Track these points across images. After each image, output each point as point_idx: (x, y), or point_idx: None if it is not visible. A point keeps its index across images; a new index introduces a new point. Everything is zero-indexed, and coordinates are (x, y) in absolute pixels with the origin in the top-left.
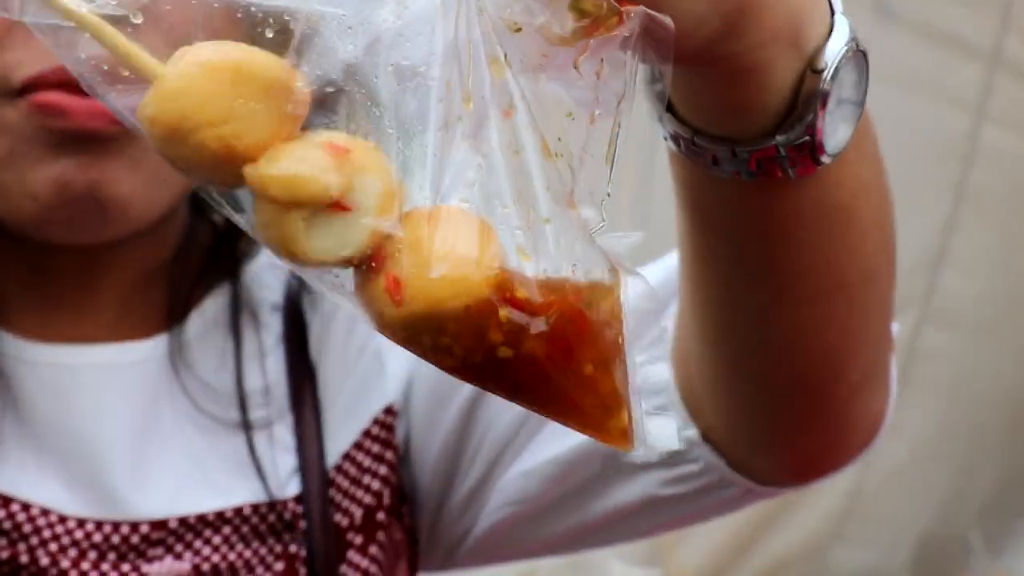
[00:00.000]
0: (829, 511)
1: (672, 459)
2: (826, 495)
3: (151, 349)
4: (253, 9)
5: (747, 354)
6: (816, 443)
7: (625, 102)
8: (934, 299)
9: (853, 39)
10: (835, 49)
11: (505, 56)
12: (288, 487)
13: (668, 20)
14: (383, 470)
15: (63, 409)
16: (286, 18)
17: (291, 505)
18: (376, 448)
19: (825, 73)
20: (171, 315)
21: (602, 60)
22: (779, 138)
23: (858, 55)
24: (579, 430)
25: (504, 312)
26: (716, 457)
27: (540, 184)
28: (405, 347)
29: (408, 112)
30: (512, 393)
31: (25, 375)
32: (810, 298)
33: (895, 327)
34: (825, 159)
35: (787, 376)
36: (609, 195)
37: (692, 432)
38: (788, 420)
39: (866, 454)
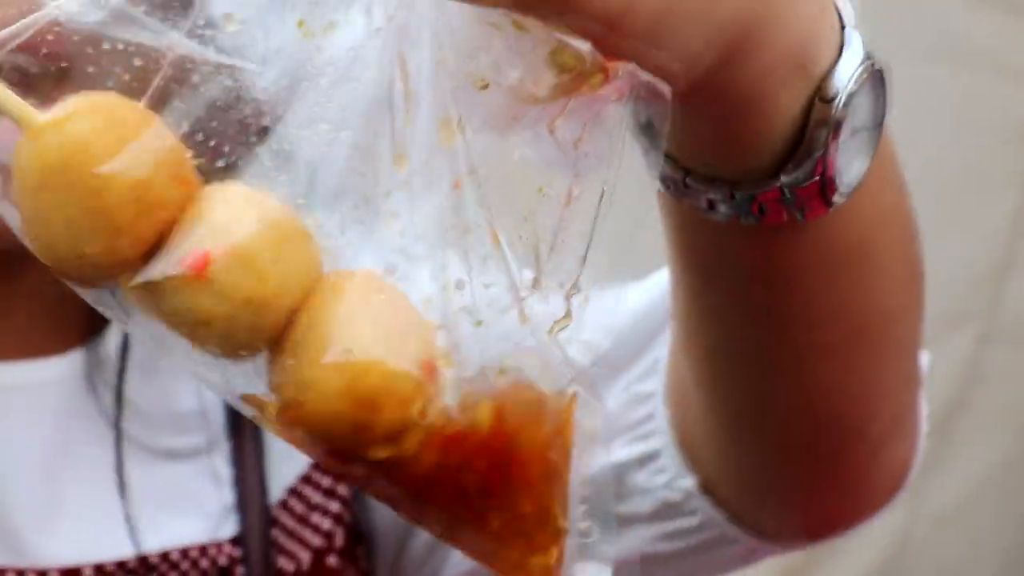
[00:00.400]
0: (871, 561)
1: (667, 512)
2: (867, 542)
3: (64, 367)
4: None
5: (753, 409)
6: (834, 501)
7: (610, 170)
8: (1000, 312)
9: (868, 57)
10: (847, 72)
11: (460, 119)
12: (224, 527)
13: (665, 87)
14: (335, 507)
15: None
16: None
17: (227, 547)
18: (326, 482)
19: (837, 101)
20: (89, 326)
21: (584, 125)
22: (784, 178)
23: (875, 74)
24: (490, 565)
25: (412, 420)
26: (717, 511)
27: (492, 272)
28: None
29: (328, 180)
30: (406, 510)
31: None
32: (824, 348)
33: (924, 359)
34: (838, 198)
35: (799, 433)
36: (580, 289)
37: (689, 482)
38: (801, 478)
39: (892, 506)
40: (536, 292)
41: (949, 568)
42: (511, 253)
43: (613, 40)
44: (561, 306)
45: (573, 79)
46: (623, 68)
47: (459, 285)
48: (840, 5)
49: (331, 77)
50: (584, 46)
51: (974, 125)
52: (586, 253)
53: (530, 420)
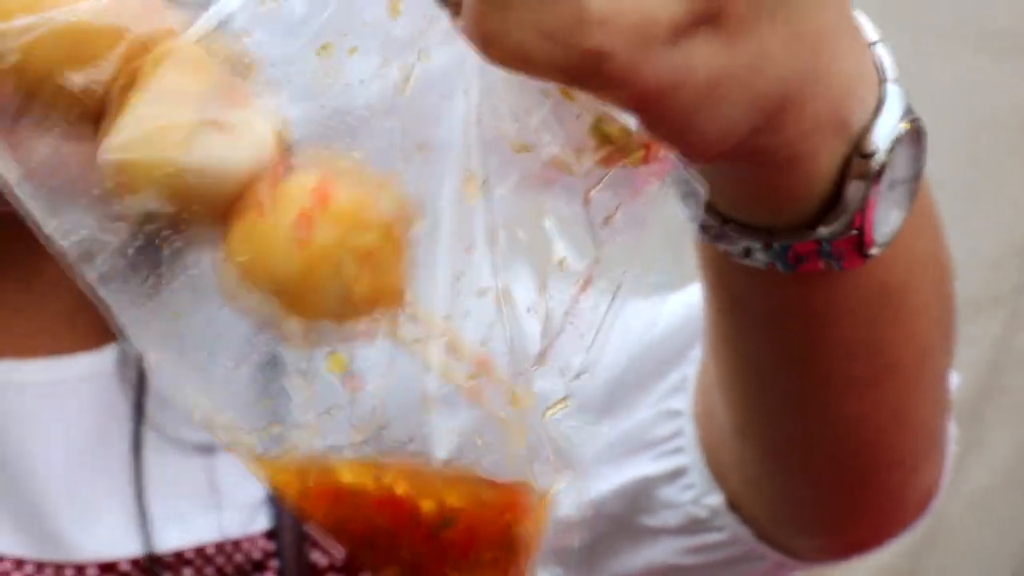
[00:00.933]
0: (905, 543)
1: (694, 527)
2: None
3: (98, 362)
4: None
5: (784, 440)
6: (864, 524)
7: (633, 262)
8: None
9: (907, 111)
10: (887, 127)
11: (486, 180)
12: (257, 521)
13: (701, 187)
14: None
15: None
16: None
17: (261, 541)
18: None
19: (875, 156)
20: None
21: (618, 204)
22: (822, 230)
23: (913, 128)
24: None
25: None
26: (744, 528)
27: (494, 341)
28: None
29: None
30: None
31: None
32: (857, 385)
33: (953, 380)
34: (875, 250)
35: (831, 463)
36: (581, 377)
37: (717, 499)
38: (832, 504)
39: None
40: (537, 370)
41: (982, 550)
42: (517, 324)
43: (657, 113)
44: (559, 388)
45: (614, 152)
46: (666, 152)
47: (456, 347)
48: (881, 58)
49: (343, 100)
50: (630, 120)
51: (999, 108)
52: (592, 343)
53: (495, 508)
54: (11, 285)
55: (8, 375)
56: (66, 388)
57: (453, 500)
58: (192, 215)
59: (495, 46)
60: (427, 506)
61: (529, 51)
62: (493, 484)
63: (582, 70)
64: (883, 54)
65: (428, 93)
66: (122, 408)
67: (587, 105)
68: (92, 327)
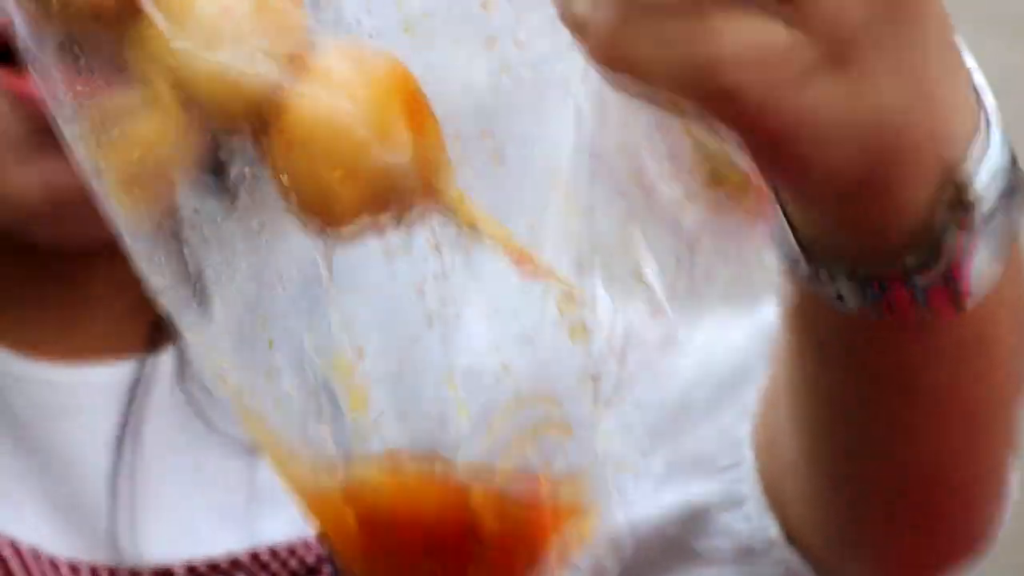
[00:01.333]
0: None
1: (748, 557)
2: None
3: (154, 365)
4: None
5: (848, 471)
6: (923, 559)
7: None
8: None
9: (1011, 161)
10: (989, 176)
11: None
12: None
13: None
14: None
15: (52, 435)
16: None
17: (315, 547)
18: None
19: (979, 205)
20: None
21: (707, 236)
22: (917, 279)
23: (1016, 180)
24: None
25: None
26: (799, 560)
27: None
28: None
29: None
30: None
31: (14, 393)
32: (929, 428)
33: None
34: (970, 301)
35: (899, 498)
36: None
37: (774, 531)
38: (894, 538)
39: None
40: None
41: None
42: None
43: (778, 151)
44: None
45: (725, 195)
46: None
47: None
48: (981, 91)
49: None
50: (747, 163)
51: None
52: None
53: (534, 529)
54: (61, 290)
55: (63, 378)
56: (118, 391)
57: (496, 519)
58: (233, 124)
59: (625, 69)
60: (470, 522)
61: (657, 77)
62: (532, 504)
63: (714, 105)
64: (983, 90)
65: (515, 107)
66: (178, 412)
67: (703, 143)
68: (145, 332)
